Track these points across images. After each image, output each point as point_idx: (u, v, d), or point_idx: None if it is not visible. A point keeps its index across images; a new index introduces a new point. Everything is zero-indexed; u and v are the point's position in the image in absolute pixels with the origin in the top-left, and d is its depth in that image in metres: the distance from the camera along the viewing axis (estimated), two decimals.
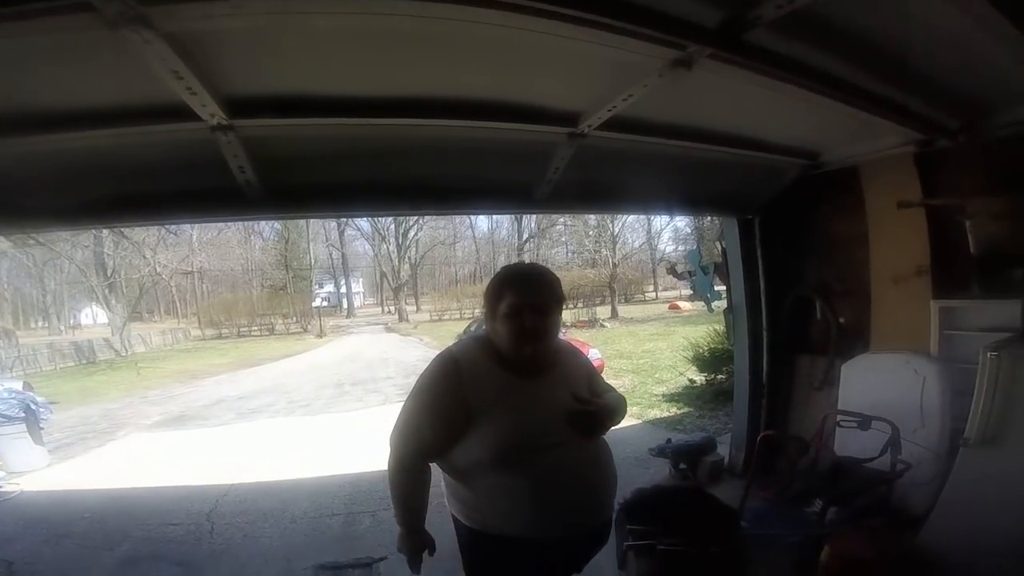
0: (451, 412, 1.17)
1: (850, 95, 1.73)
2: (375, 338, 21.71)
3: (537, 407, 1.20)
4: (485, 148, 1.95)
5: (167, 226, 20.59)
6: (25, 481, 4.52)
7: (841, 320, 2.93)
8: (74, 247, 19.98)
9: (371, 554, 2.17)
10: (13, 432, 4.97)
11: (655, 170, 2.38)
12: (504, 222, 43.64)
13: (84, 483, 4.47)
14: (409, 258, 36.69)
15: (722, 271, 3.41)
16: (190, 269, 28.06)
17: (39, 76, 1.28)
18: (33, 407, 5.35)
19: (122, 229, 19.23)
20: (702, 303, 4.32)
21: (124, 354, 18.48)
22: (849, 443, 2.50)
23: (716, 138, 2.18)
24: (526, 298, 1.20)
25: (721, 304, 3.54)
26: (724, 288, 3.49)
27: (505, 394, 1.20)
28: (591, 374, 1.45)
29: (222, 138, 1.60)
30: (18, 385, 6.23)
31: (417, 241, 37.23)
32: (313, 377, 11.00)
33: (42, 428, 5.44)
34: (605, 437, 1.29)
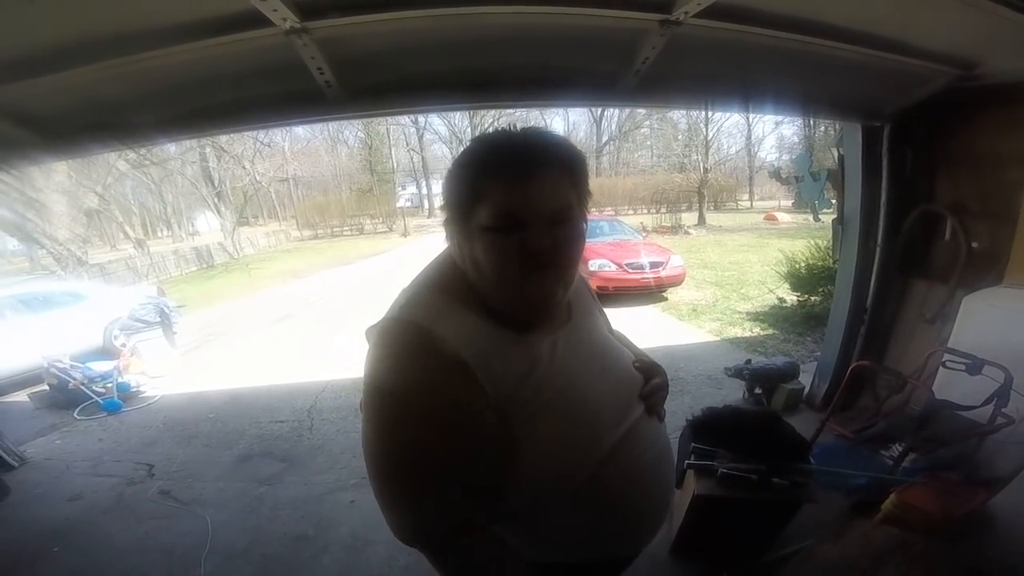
0: (482, 422, 0.67)
1: None
2: None
3: (586, 385, 0.76)
4: (564, 36, 1.78)
5: (260, 138, 22.10)
6: (163, 384, 4.85)
7: (974, 244, 2.51)
8: (184, 164, 22.23)
9: None
10: (152, 337, 5.32)
11: (764, 66, 2.05)
12: (582, 123, 41.48)
13: (209, 384, 4.82)
14: None
15: (836, 179, 3.00)
16: (285, 176, 30.40)
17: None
18: (166, 311, 5.67)
19: (222, 144, 20.94)
20: (804, 214, 3.90)
21: (236, 256, 20.50)
22: (951, 387, 2.27)
23: (843, 35, 1.83)
24: (526, 195, 0.66)
25: (830, 214, 3.17)
26: (835, 198, 3.11)
27: (532, 373, 0.71)
28: (599, 305, 0.97)
29: (297, 42, 1.59)
30: (153, 291, 6.57)
31: None
32: (399, 274, 11.51)
33: (174, 332, 5.77)
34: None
